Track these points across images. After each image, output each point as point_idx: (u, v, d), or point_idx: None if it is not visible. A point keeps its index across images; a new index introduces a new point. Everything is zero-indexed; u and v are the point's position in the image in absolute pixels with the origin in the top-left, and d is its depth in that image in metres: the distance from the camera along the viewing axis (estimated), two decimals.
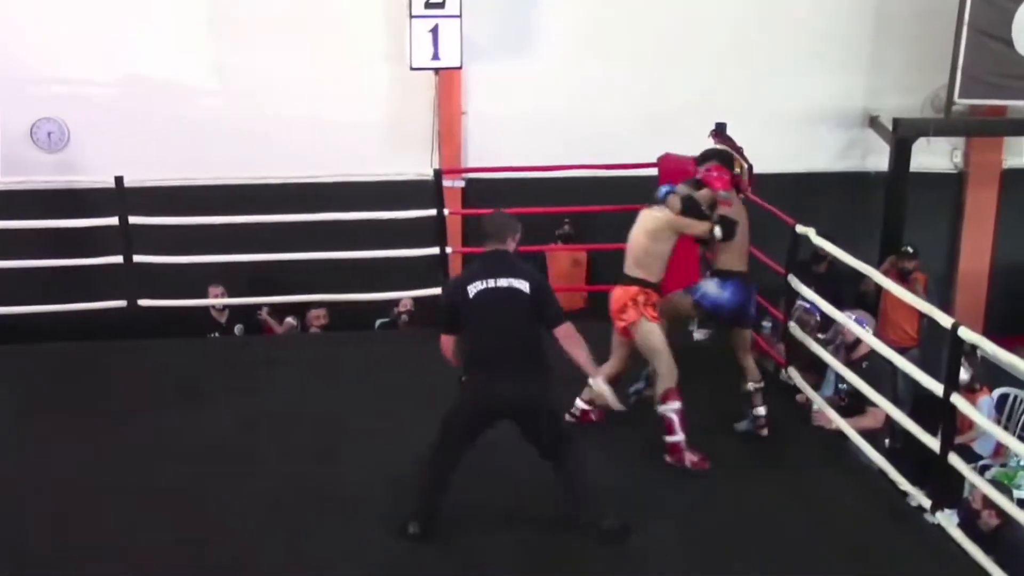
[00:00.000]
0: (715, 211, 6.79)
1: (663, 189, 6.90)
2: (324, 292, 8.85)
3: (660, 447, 6.38)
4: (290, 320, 9.73)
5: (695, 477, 6.28)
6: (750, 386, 6.81)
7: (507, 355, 5.48)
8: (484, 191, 10.24)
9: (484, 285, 5.52)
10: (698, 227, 6.72)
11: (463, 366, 5.63)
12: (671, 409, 6.32)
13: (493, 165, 9.82)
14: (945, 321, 5.77)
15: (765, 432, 6.78)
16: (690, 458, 6.32)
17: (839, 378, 7.47)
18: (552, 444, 5.58)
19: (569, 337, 5.64)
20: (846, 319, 7.07)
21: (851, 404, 7.26)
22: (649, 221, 6.60)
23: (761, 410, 6.80)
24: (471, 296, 5.53)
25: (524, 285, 5.52)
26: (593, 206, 9.37)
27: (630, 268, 6.56)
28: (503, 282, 5.51)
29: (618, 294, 6.52)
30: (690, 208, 6.70)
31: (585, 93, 10.60)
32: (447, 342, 5.73)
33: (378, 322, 9.89)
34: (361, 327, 9.44)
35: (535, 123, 10.51)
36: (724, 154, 7.11)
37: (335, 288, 8.74)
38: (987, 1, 10.25)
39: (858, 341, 7.25)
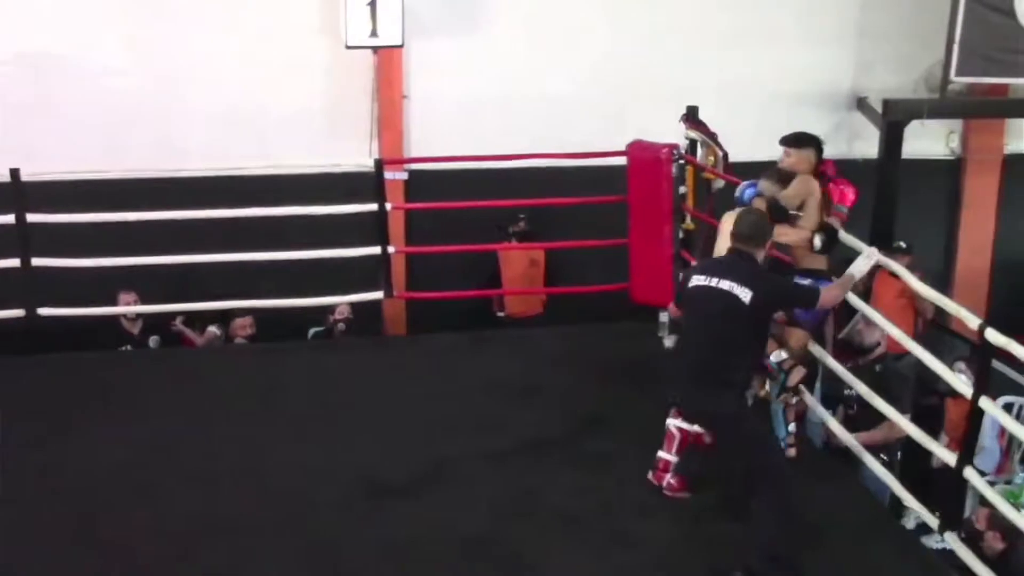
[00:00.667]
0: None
1: (747, 190, 6.68)
2: (250, 298, 8.73)
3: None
4: (212, 330, 9.59)
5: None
6: (786, 397, 6.68)
7: (695, 359, 5.68)
8: (429, 183, 10.16)
9: (706, 281, 5.68)
10: (792, 235, 6.51)
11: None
12: (679, 427, 6.31)
13: (439, 154, 9.73)
14: (972, 322, 5.75)
15: (793, 452, 6.60)
16: (670, 482, 6.30)
17: (845, 384, 7.41)
18: (745, 473, 5.73)
19: (830, 296, 5.99)
20: (873, 313, 6.98)
21: (860, 414, 7.19)
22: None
23: (792, 427, 6.70)
24: (690, 287, 5.78)
25: (746, 294, 5.55)
26: (552, 199, 9.31)
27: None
28: (724, 284, 5.60)
29: None
30: (777, 214, 6.38)
31: (540, 73, 10.51)
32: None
33: (312, 331, 9.82)
34: (293, 337, 9.34)
35: (485, 107, 10.44)
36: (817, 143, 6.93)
37: (263, 293, 8.63)
38: None
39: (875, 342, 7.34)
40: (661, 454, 6.32)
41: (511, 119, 10.41)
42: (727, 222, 6.53)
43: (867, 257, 6.31)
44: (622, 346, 8.20)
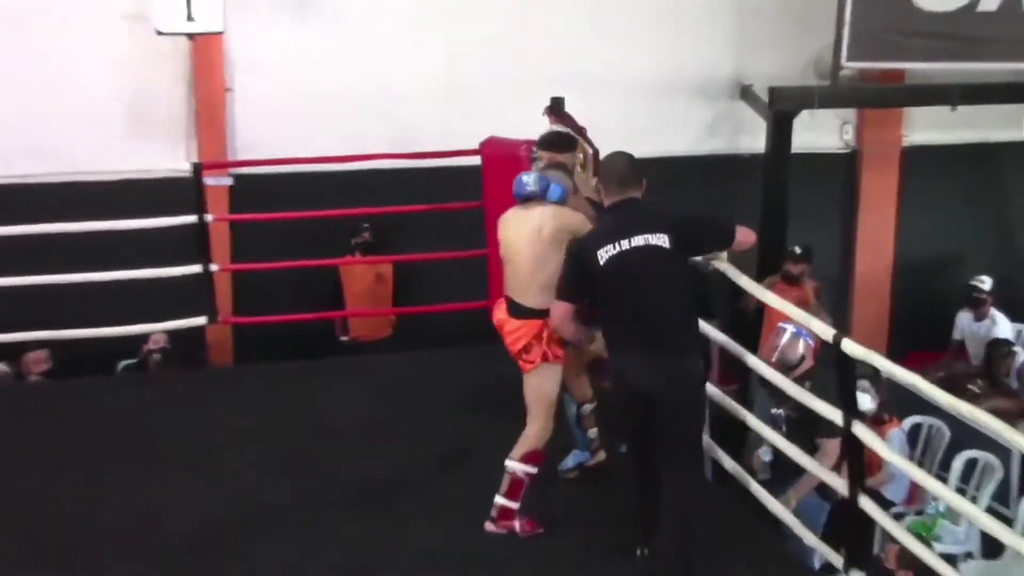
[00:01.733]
0: None
1: (532, 180, 6.30)
2: (45, 328, 8.60)
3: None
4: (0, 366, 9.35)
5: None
6: (585, 408, 6.75)
7: (647, 334, 5.61)
8: (257, 190, 10.07)
9: (616, 249, 5.58)
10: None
11: (607, 347, 5.81)
12: (526, 471, 6.25)
13: (268, 157, 9.64)
14: (825, 333, 5.82)
15: (602, 456, 6.78)
16: (521, 524, 6.28)
17: (776, 405, 7.64)
18: (672, 457, 5.71)
19: (746, 235, 5.93)
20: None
21: (792, 433, 7.28)
22: (538, 225, 6.12)
23: (594, 432, 6.78)
24: (601, 264, 5.60)
25: (663, 239, 5.57)
26: (399, 206, 9.26)
27: (523, 294, 6.18)
28: (639, 240, 5.58)
29: (516, 329, 6.19)
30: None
31: (386, 64, 10.49)
32: (560, 311, 5.85)
33: (121, 364, 9.70)
34: (98, 371, 9.12)
35: (322, 103, 10.38)
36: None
37: (61, 322, 8.49)
38: None
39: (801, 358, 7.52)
40: (507, 502, 6.26)
41: (352, 116, 10.37)
42: (512, 226, 6.28)
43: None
44: (482, 372, 8.14)
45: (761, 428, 6.77)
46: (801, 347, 7.64)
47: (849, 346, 5.61)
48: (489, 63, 10.58)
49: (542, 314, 6.05)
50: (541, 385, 6.22)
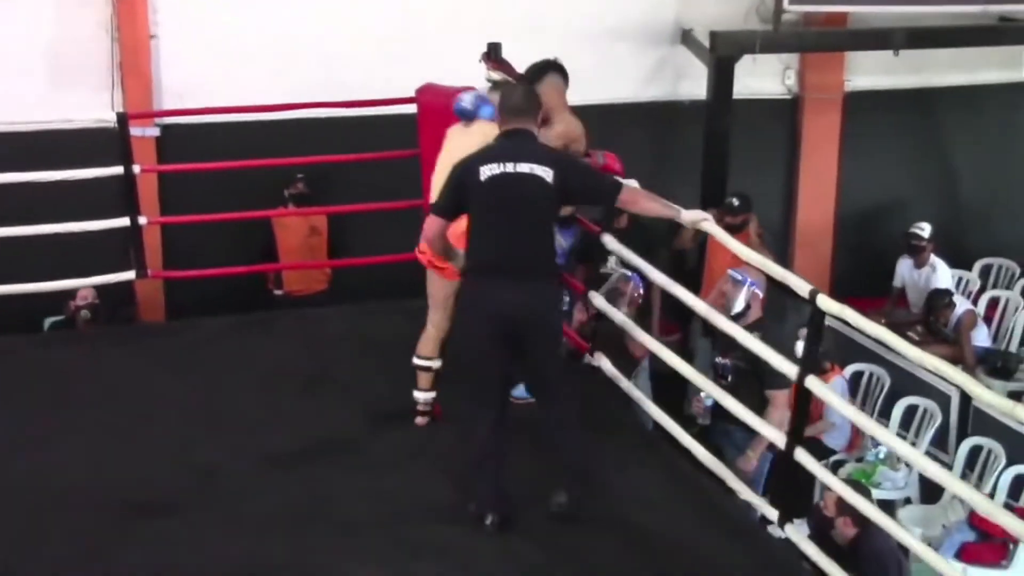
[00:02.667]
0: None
1: (469, 99, 6.84)
2: None
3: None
4: None
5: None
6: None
7: (514, 258, 5.81)
8: (186, 140, 9.99)
9: (501, 169, 5.79)
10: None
11: (466, 267, 5.98)
12: (431, 365, 6.86)
13: (197, 106, 9.55)
14: (801, 288, 5.87)
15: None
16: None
17: (717, 354, 7.72)
18: (544, 379, 5.96)
19: (636, 198, 6.11)
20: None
21: (738, 384, 7.40)
22: (481, 142, 6.29)
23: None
24: (482, 179, 5.80)
25: (548, 173, 5.78)
26: (333, 155, 9.22)
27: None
28: (524, 167, 5.78)
29: None
30: None
31: (316, 9, 10.40)
32: (434, 225, 5.99)
33: (48, 321, 9.64)
34: (24, 330, 9.03)
35: (252, 49, 10.28)
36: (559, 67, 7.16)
37: None
38: None
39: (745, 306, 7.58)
40: (427, 396, 6.86)
41: (285, 63, 10.28)
42: (456, 137, 6.75)
43: (688, 219, 6.40)
44: (419, 326, 8.20)
45: (701, 380, 6.83)
46: (744, 296, 7.66)
47: (824, 301, 5.69)
48: (425, 8, 10.52)
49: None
50: (445, 286, 6.61)
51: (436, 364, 6.85)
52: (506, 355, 5.87)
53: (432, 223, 6.00)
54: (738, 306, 7.60)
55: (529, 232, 5.84)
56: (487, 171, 5.80)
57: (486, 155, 5.90)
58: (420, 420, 6.91)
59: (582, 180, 6.01)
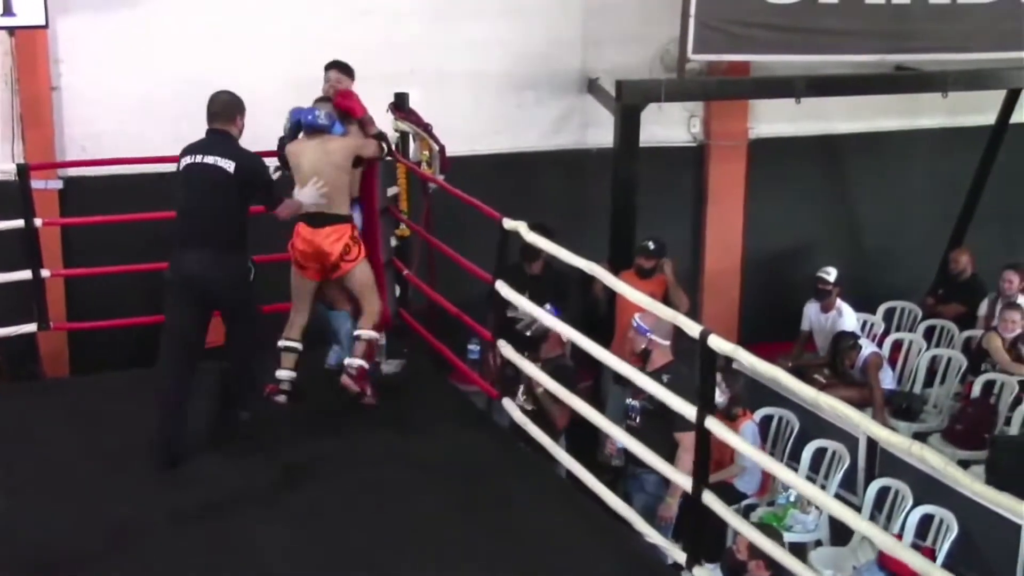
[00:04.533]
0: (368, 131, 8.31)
1: (323, 115, 7.96)
2: None
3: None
4: None
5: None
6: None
7: (197, 232, 7.20)
8: (90, 192, 9.87)
9: (192, 159, 7.26)
10: (371, 147, 8.20)
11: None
12: (377, 336, 8.11)
13: (101, 157, 9.45)
14: (692, 329, 5.96)
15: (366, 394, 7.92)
16: (371, 391, 7.91)
17: (633, 395, 7.80)
18: (232, 321, 7.41)
19: (284, 208, 7.51)
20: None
21: (645, 426, 7.56)
22: (333, 151, 7.86)
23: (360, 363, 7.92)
24: (181, 168, 7.31)
25: (229, 165, 7.14)
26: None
27: (329, 205, 7.73)
28: (209, 159, 7.18)
29: (329, 235, 7.73)
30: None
31: (225, 57, 10.31)
32: None
33: None
34: None
35: (154, 98, 10.17)
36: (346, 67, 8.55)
37: None
38: None
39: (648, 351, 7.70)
40: (362, 363, 7.84)
41: (188, 112, 9.96)
42: (315, 149, 7.86)
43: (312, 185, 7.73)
44: (331, 375, 8.22)
45: (611, 428, 6.91)
46: (642, 343, 7.77)
47: (716, 342, 5.79)
48: (328, 53, 10.45)
49: (348, 219, 7.85)
50: (363, 274, 7.92)
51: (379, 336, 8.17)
52: (193, 313, 7.22)
53: None
54: (636, 351, 7.74)
55: (213, 212, 7.19)
56: (184, 161, 7.28)
57: (187, 149, 7.33)
58: (347, 380, 7.83)
59: (257, 180, 7.31)
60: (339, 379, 7.88)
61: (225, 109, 7.36)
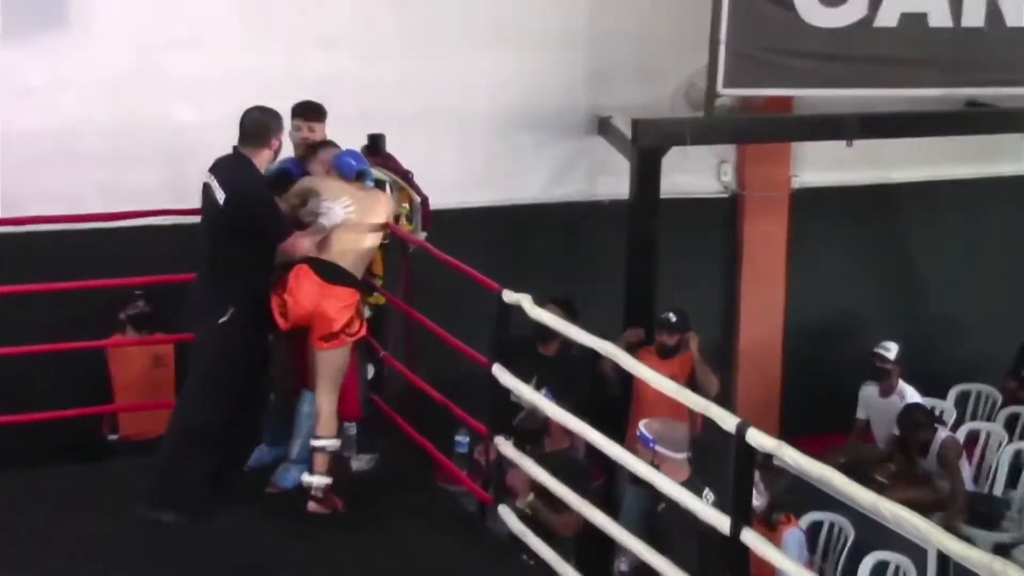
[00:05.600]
0: None
1: (351, 161, 8.00)
2: None
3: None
4: None
5: None
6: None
7: (200, 258, 7.62)
8: (16, 251, 9.74)
9: (207, 179, 7.56)
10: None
11: None
12: (335, 446, 7.87)
13: (27, 214, 9.33)
14: (726, 422, 5.81)
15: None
16: (339, 502, 7.83)
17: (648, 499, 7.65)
18: (191, 387, 7.71)
19: (296, 242, 7.58)
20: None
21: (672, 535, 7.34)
22: (373, 205, 7.94)
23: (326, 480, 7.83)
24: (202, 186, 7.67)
25: (221, 195, 7.40)
26: (180, 273, 9.06)
27: (342, 257, 7.71)
28: (214, 183, 7.49)
29: (340, 298, 7.65)
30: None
31: (162, 92, 10.34)
32: None
33: None
34: None
35: (83, 146, 10.18)
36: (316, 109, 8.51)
37: None
38: None
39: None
40: (324, 481, 7.76)
41: (126, 162, 10.23)
42: (335, 191, 7.84)
43: (341, 207, 7.73)
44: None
45: (627, 538, 6.74)
46: (646, 457, 7.58)
47: (755, 437, 5.62)
48: (288, 93, 10.29)
49: (361, 286, 7.84)
50: (343, 358, 7.80)
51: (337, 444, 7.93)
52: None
53: None
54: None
55: (206, 238, 7.61)
56: (206, 177, 7.58)
57: (215, 162, 7.61)
58: (314, 506, 7.77)
59: (252, 209, 7.44)
60: (304, 504, 7.76)
61: (249, 128, 7.56)
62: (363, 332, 7.84)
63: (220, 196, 7.39)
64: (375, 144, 9.10)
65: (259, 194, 7.51)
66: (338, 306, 7.63)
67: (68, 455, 9.14)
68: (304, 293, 7.60)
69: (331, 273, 7.63)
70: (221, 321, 7.42)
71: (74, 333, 9.09)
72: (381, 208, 7.98)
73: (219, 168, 7.54)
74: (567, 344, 9.50)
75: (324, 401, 7.79)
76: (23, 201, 9.67)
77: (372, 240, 7.91)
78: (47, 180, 9.98)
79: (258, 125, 7.55)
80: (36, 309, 9.32)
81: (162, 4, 10.42)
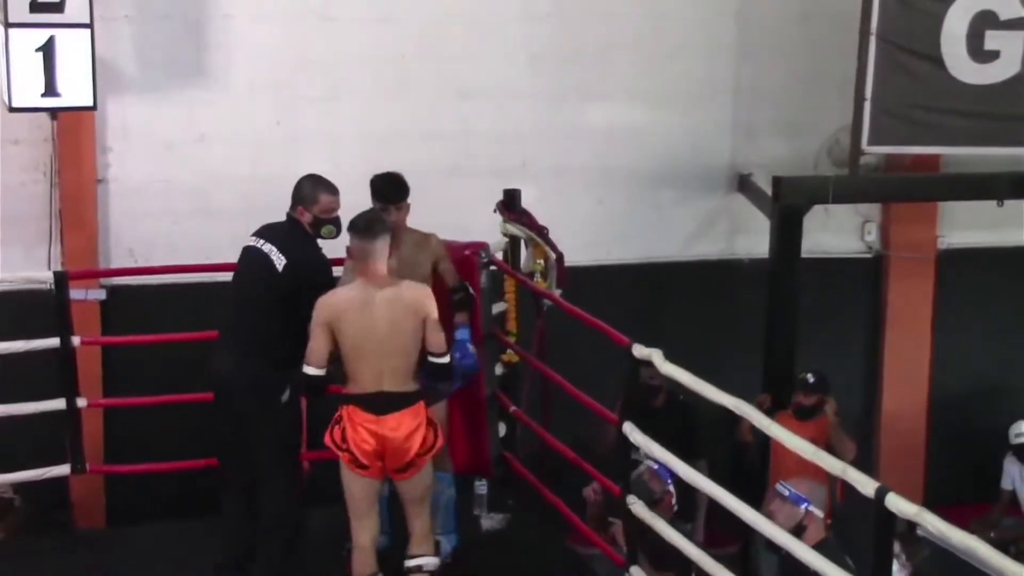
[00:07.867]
0: None
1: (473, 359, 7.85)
2: None
3: None
4: None
5: None
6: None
7: (234, 326, 7.44)
8: (139, 305, 10.04)
9: (255, 242, 7.44)
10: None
11: None
12: (433, 565, 7.42)
13: (152, 264, 9.57)
14: (865, 486, 5.82)
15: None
16: None
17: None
18: (256, 466, 7.38)
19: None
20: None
21: None
22: (417, 307, 7.13)
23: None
24: (245, 246, 7.50)
25: (280, 261, 7.28)
26: None
27: (396, 379, 7.03)
28: (267, 248, 7.35)
29: (402, 423, 7.02)
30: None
31: (297, 148, 10.54)
32: None
33: None
34: None
35: (220, 196, 10.42)
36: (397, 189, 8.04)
37: None
38: (902, 2, 10.60)
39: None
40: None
41: (257, 211, 10.18)
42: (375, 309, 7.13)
43: None
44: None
45: None
46: (798, 516, 7.63)
47: (895, 502, 5.61)
48: (424, 147, 10.59)
49: (419, 396, 7.11)
50: (428, 474, 7.31)
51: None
52: (228, 425, 7.40)
53: None
54: (791, 526, 7.54)
55: (252, 306, 7.36)
56: (248, 241, 7.48)
57: (261, 229, 7.52)
58: None
59: (311, 275, 7.24)
60: None
61: (296, 192, 7.53)
62: (440, 443, 7.25)
63: (279, 262, 7.24)
64: (511, 199, 9.18)
65: (321, 263, 7.42)
66: (405, 433, 7.03)
67: (198, 509, 9.17)
68: (368, 435, 6.98)
69: (379, 404, 7.00)
70: (284, 399, 7.24)
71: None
72: (421, 304, 7.10)
73: (269, 232, 7.45)
74: (672, 394, 9.57)
75: (420, 517, 7.33)
76: (158, 253, 9.95)
77: (419, 341, 7.07)
78: (181, 232, 10.24)
79: (295, 188, 7.50)
80: (173, 361, 9.32)
81: (298, 59, 10.61)
